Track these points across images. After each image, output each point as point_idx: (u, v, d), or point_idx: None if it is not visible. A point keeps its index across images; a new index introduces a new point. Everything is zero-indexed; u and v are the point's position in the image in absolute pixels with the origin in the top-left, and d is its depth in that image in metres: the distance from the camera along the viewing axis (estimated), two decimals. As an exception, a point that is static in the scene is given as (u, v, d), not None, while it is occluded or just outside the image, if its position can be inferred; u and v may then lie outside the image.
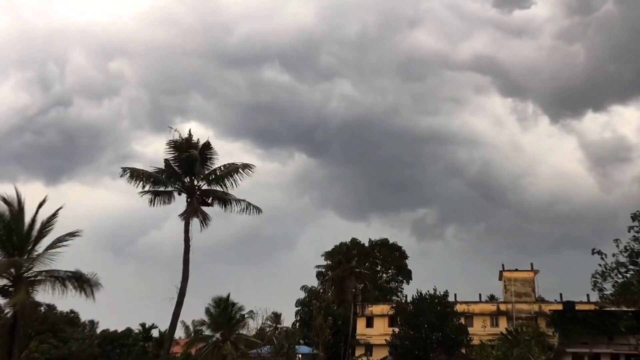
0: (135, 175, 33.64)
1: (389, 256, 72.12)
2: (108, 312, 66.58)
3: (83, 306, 63.13)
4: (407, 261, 72.66)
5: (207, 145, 34.44)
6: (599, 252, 34.79)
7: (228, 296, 46.11)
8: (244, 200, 34.94)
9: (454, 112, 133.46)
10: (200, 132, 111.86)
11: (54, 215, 26.88)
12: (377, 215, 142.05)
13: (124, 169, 33.92)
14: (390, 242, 73.08)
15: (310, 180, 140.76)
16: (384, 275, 73.67)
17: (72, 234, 27.25)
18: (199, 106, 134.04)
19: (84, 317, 65.18)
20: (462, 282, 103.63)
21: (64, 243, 27.07)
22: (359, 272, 62.83)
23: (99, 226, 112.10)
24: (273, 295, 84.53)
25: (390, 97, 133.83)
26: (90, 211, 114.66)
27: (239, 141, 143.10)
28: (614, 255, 34.50)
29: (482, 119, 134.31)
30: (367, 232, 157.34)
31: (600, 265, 35.50)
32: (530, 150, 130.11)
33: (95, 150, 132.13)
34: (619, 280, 34.60)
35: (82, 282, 26.99)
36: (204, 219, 34.47)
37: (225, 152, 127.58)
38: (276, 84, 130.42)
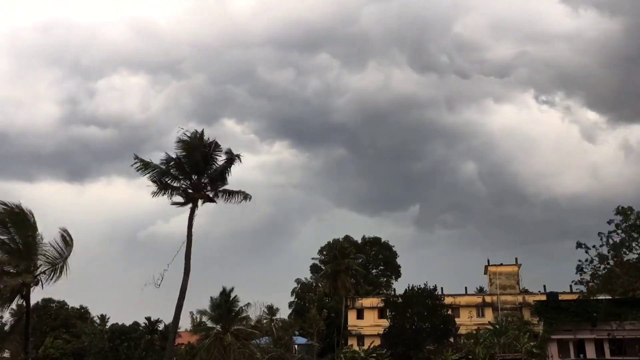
0: (145, 166, 34.69)
1: (380, 253, 74.23)
2: (118, 306, 67.94)
3: (93, 301, 64.19)
4: (397, 257, 75.15)
5: (214, 145, 35.67)
6: (584, 246, 37.33)
7: (231, 290, 47.23)
8: (241, 192, 36.34)
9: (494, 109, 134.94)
10: (238, 128, 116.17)
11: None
12: (388, 210, 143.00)
13: (136, 158, 34.88)
14: (384, 239, 75.70)
15: (334, 174, 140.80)
16: (374, 270, 75.75)
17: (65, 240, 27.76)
18: (240, 101, 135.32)
19: (94, 312, 66.60)
20: (455, 274, 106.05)
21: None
22: (353, 267, 64.44)
23: (118, 221, 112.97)
24: (279, 287, 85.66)
25: (432, 91, 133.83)
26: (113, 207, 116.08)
27: (278, 138, 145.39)
28: (594, 246, 37.01)
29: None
30: (375, 226, 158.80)
31: (582, 260, 38.02)
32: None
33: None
34: (602, 272, 37.04)
35: None
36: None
37: (264, 149, 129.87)
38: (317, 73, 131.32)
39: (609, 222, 37.29)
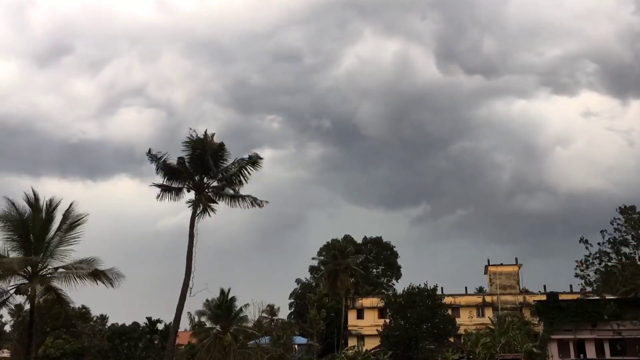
0: (156, 161, 34.76)
1: (381, 253, 74.29)
2: (118, 306, 67.84)
3: (93, 301, 64.20)
4: (398, 257, 75.25)
5: (221, 146, 35.53)
6: (586, 242, 37.42)
7: (229, 291, 47.35)
8: (249, 196, 36.00)
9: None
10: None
11: (70, 216, 27.61)
12: (404, 207, 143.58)
13: (149, 152, 34.88)
14: (387, 238, 75.87)
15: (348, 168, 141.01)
16: (374, 270, 75.80)
17: (72, 226, 27.77)
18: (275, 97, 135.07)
19: (95, 312, 66.47)
20: (455, 274, 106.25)
21: (73, 236, 27.68)
22: (352, 267, 64.45)
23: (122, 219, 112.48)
24: (283, 285, 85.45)
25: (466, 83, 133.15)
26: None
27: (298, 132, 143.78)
28: (599, 243, 37.08)
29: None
30: (384, 223, 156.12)
31: (582, 260, 38.04)
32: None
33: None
34: (601, 269, 37.12)
35: (98, 275, 27.45)
36: (208, 210, 35.65)
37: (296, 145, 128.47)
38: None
39: (612, 222, 37.39)
